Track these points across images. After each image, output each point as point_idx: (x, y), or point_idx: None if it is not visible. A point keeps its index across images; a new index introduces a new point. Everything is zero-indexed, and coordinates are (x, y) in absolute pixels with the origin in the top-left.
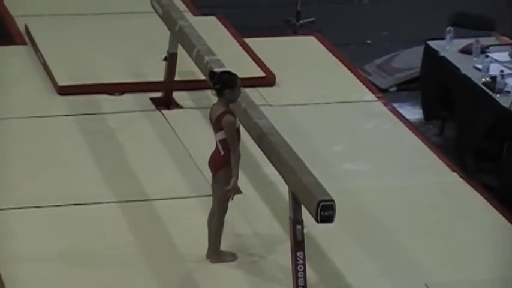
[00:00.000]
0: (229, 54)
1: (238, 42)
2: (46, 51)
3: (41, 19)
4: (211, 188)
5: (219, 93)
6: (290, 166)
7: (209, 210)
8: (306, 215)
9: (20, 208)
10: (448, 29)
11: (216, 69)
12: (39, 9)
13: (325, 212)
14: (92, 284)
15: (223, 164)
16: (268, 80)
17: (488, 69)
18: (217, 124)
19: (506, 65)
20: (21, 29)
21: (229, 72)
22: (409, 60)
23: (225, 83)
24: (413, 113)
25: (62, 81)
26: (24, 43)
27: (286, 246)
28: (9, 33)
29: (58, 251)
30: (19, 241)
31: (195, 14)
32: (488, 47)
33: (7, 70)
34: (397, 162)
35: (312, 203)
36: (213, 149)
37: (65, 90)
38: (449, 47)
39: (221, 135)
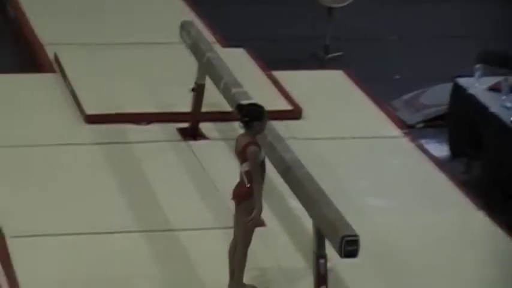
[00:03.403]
0: (257, 86)
1: (266, 74)
2: (75, 79)
3: (70, 48)
4: (234, 219)
5: (248, 126)
6: (315, 200)
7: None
8: (330, 250)
9: (44, 235)
10: (477, 66)
11: (243, 102)
12: (69, 37)
13: (350, 247)
14: None
15: (247, 196)
16: (294, 113)
17: None
18: (242, 155)
19: None
20: (51, 57)
21: (256, 104)
22: (437, 96)
23: (254, 116)
24: (440, 149)
25: (90, 110)
26: (53, 71)
27: (309, 280)
28: (39, 61)
29: (82, 279)
30: (44, 268)
31: (223, 46)
32: None
33: (36, 98)
34: (423, 199)
35: (336, 237)
36: (238, 181)
37: (92, 119)
38: (477, 85)
39: (246, 166)
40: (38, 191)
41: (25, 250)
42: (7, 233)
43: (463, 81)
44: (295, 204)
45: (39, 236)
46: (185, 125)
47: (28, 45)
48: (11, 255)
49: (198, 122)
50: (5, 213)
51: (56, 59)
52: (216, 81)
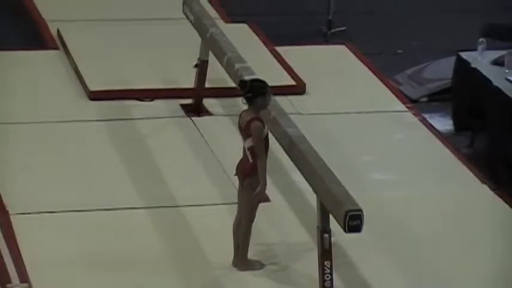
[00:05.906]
0: (260, 62)
1: (269, 50)
2: (78, 56)
3: (73, 24)
4: (238, 195)
5: (251, 101)
6: (319, 175)
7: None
8: (334, 224)
9: (49, 212)
10: (480, 40)
11: (246, 78)
12: (71, 14)
13: (353, 222)
14: None
15: (251, 172)
16: (298, 89)
17: None
18: (246, 131)
19: None
20: (54, 33)
21: (259, 80)
22: (441, 70)
23: (256, 91)
24: (444, 123)
25: (93, 87)
26: (56, 48)
27: (314, 254)
28: (42, 38)
29: (86, 255)
30: (49, 245)
31: (226, 22)
32: None
33: (39, 75)
34: (427, 173)
35: (340, 212)
36: (242, 157)
37: (96, 96)
38: (481, 59)
39: (250, 142)
40: (42, 168)
41: (29, 227)
42: (11, 210)
43: (466, 55)
44: (299, 179)
45: (43, 213)
46: (189, 101)
47: (31, 22)
48: (15, 232)
49: (201, 98)
50: (9, 190)
51: (59, 36)
52: (220, 57)
